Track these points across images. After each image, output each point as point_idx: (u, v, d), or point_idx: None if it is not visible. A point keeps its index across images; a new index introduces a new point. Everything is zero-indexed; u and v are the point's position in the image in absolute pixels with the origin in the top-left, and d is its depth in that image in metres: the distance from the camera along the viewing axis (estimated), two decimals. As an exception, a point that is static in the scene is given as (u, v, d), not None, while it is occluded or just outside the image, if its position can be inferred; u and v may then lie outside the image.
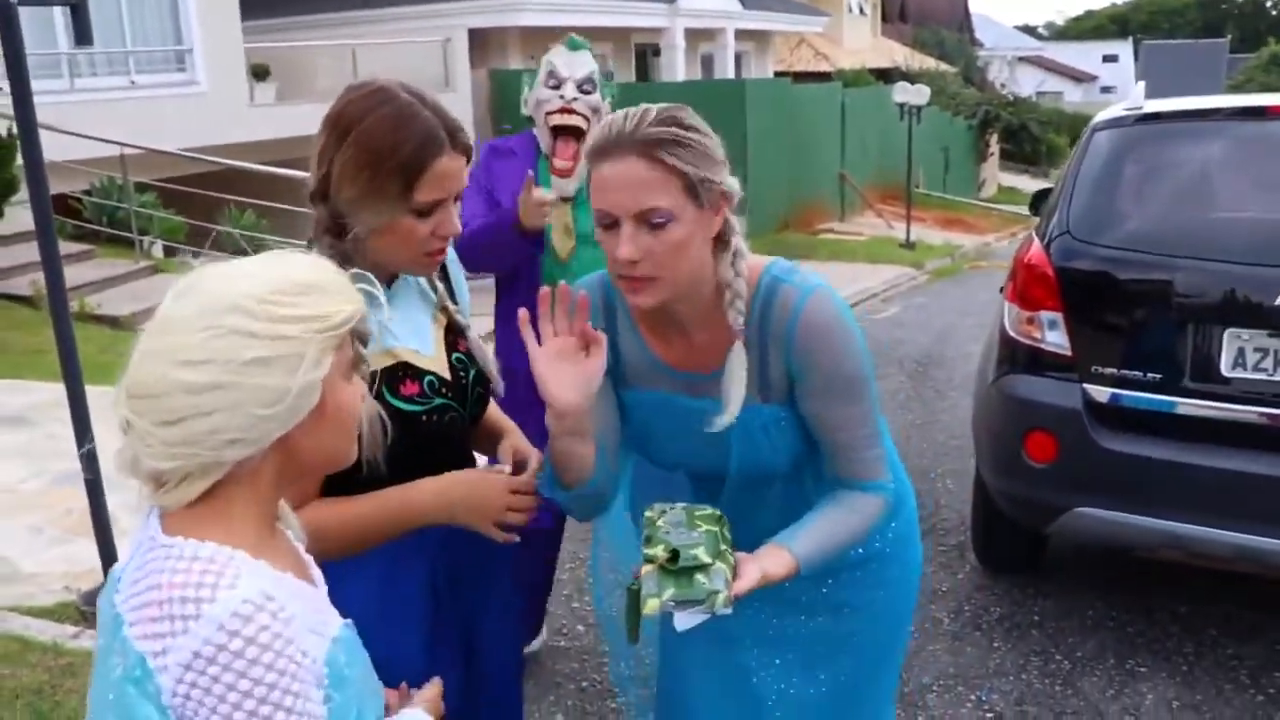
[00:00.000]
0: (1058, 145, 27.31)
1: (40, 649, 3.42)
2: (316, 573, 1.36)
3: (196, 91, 12.21)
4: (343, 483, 1.58)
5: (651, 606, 1.45)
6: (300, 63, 15.18)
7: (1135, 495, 3.27)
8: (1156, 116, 3.66)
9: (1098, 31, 74.96)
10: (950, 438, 5.92)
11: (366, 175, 1.60)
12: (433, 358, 1.75)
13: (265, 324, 1.14)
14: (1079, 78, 54.71)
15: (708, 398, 1.69)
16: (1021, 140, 27.32)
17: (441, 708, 1.49)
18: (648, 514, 1.59)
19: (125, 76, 11.82)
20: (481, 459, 1.89)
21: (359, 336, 1.27)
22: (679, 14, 19.42)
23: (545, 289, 1.61)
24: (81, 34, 3.33)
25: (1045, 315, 3.45)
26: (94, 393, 3.79)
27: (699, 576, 1.47)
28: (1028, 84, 42.82)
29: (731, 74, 21.59)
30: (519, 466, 1.78)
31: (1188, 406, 3.22)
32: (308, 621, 1.18)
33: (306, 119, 13.46)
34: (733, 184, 1.65)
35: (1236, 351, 3.15)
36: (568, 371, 1.56)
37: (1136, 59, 55.16)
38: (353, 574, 1.59)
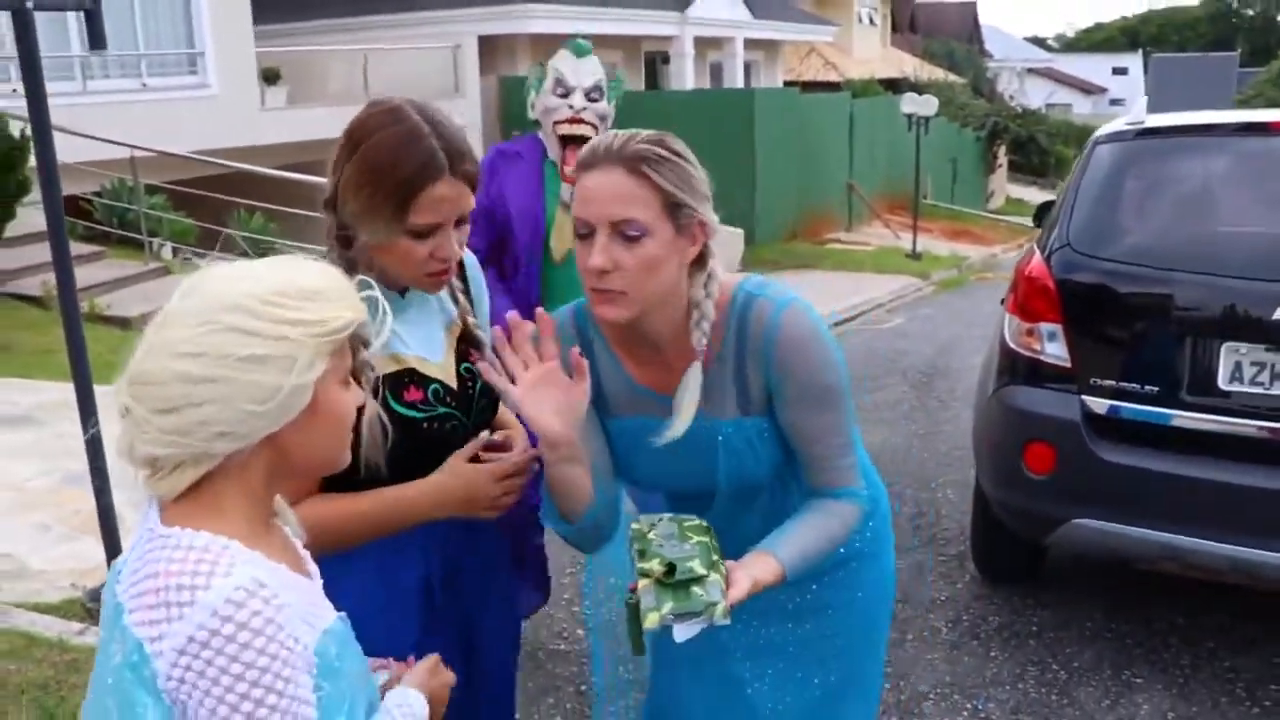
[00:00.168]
0: (1066, 157, 27.31)
1: (46, 645, 3.46)
2: (313, 567, 1.39)
3: (208, 95, 12.29)
4: (343, 484, 1.61)
5: (652, 620, 1.47)
6: (311, 67, 15.27)
7: (1133, 507, 3.29)
8: (1157, 131, 3.69)
9: (1108, 44, 74.99)
10: (953, 448, 5.94)
11: (366, 192, 1.63)
12: (440, 366, 1.78)
13: (263, 324, 1.17)
14: (1088, 90, 54.74)
15: None
16: (1030, 152, 27.35)
17: (447, 678, 1.51)
18: (635, 526, 1.61)
19: (137, 79, 11.91)
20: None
21: (360, 344, 1.30)
22: (689, 22, 19.49)
23: (514, 315, 1.62)
24: (95, 39, 3.37)
25: (1045, 327, 3.48)
26: (102, 392, 3.83)
27: (696, 589, 1.50)
28: (1037, 96, 42.88)
29: (740, 83, 21.68)
30: (505, 446, 1.81)
31: (1185, 419, 3.24)
32: (300, 611, 1.21)
33: (317, 123, 13.61)
34: (713, 218, 1.68)
35: (1234, 365, 3.18)
36: (551, 400, 1.58)
37: (1146, 72, 55.14)
38: (349, 568, 1.62)
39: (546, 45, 17.82)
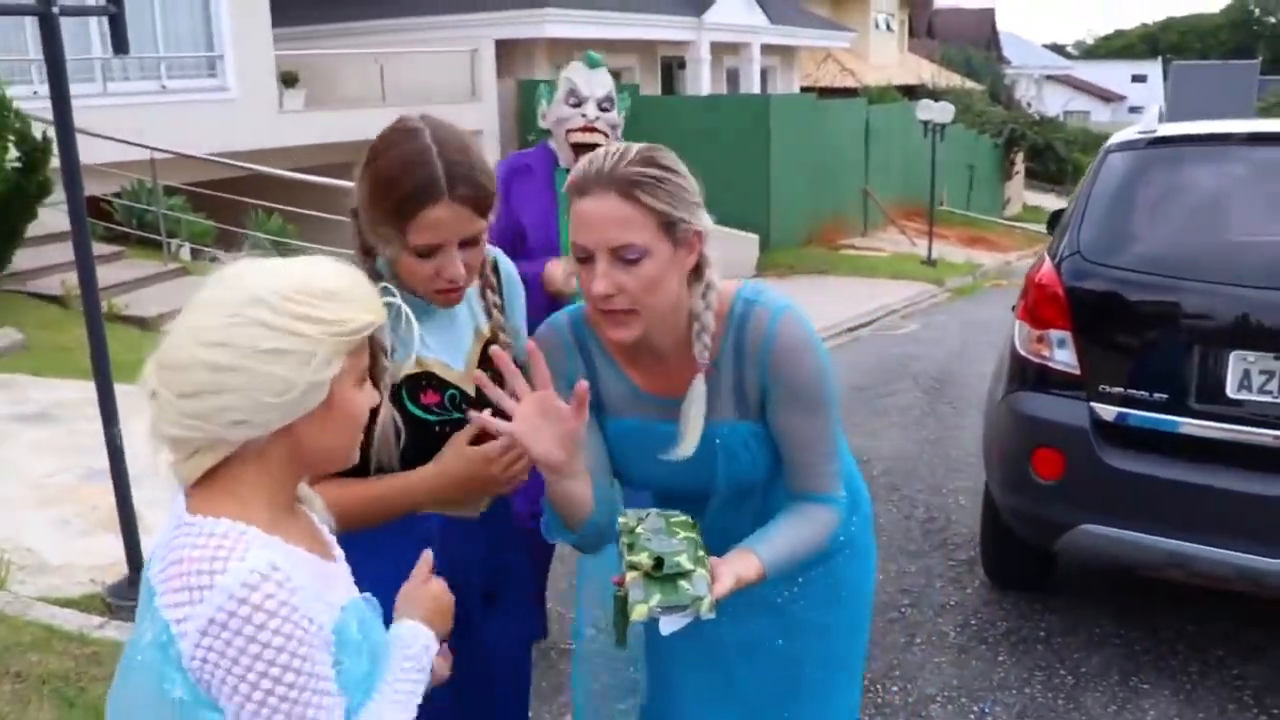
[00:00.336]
0: (1083, 165, 27.17)
1: (66, 638, 3.51)
2: (338, 551, 1.44)
3: (226, 97, 12.39)
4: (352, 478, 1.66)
5: (640, 612, 1.51)
6: (329, 70, 15.37)
7: (1140, 513, 3.31)
8: (1169, 140, 3.71)
9: (1127, 51, 74.64)
10: (964, 454, 5.95)
11: (372, 208, 1.69)
12: (460, 374, 1.82)
13: (283, 319, 1.23)
14: (1107, 97, 54.55)
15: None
16: (1047, 159, 27.29)
17: (434, 588, 1.56)
18: (623, 520, 1.65)
19: (157, 81, 12.02)
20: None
21: (381, 348, 1.35)
22: (705, 27, 19.53)
23: (496, 350, 1.65)
24: (119, 43, 3.43)
25: (1055, 334, 3.50)
26: (122, 390, 3.89)
27: (683, 583, 1.54)
28: (1055, 103, 42.75)
29: (757, 88, 21.69)
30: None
31: (1193, 427, 3.26)
32: (315, 591, 1.26)
33: (334, 126, 13.71)
34: (707, 223, 1.71)
35: (1242, 373, 3.19)
36: (550, 430, 1.61)
37: (1166, 79, 54.90)
38: (373, 554, 1.66)
39: (563, 49, 17.87)
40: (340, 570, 1.41)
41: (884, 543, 4.73)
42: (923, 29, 37.32)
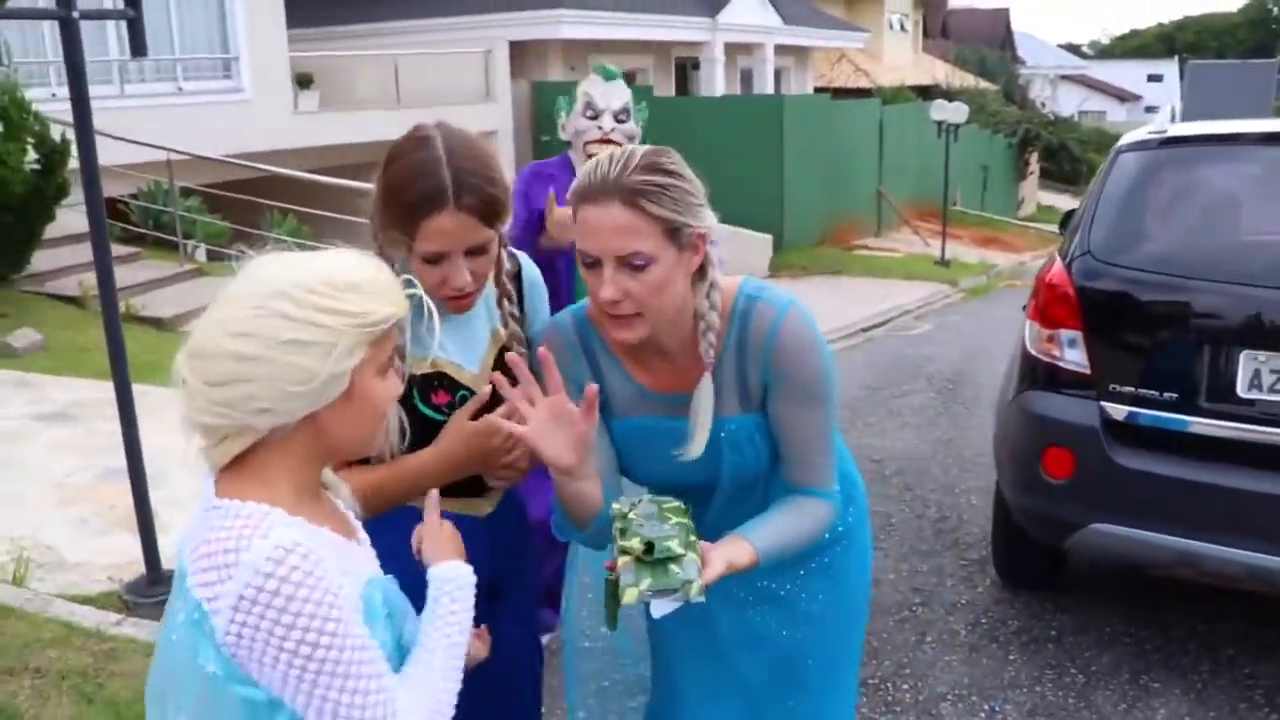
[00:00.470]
0: (1098, 165, 27.08)
1: (85, 634, 3.55)
2: (363, 535, 1.49)
3: (242, 99, 12.47)
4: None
5: (631, 596, 1.54)
6: (344, 72, 15.44)
7: (1150, 512, 3.32)
8: (1181, 140, 3.71)
9: (1143, 51, 74.25)
10: (977, 454, 5.95)
11: (382, 214, 1.73)
12: (474, 375, 1.85)
13: (306, 311, 1.27)
14: (1123, 97, 54.27)
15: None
16: (1061, 159, 27.18)
17: (449, 529, 1.60)
18: (616, 507, 1.67)
19: (173, 83, 12.11)
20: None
21: (401, 344, 1.38)
22: (719, 28, 19.55)
23: (513, 357, 1.68)
24: (137, 47, 3.47)
25: (1065, 334, 3.51)
26: (139, 390, 3.94)
27: (673, 567, 1.56)
28: (1070, 103, 42.59)
29: (771, 89, 21.70)
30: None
31: (1203, 426, 3.26)
32: (340, 565, 1.30)
33: (349, 127, 13.77)
34: (710, 223, 1.72)
35: (1252, 373, 3.19)
36: (562, 435, 1.65)
37: (1182, 79, 54.42)
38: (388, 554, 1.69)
39: (578, 50, 17.92)
40: (364, 552, 1.46)
41: (896, 542, 4.74)
42: (937, 29, 37.24)
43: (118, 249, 9.22)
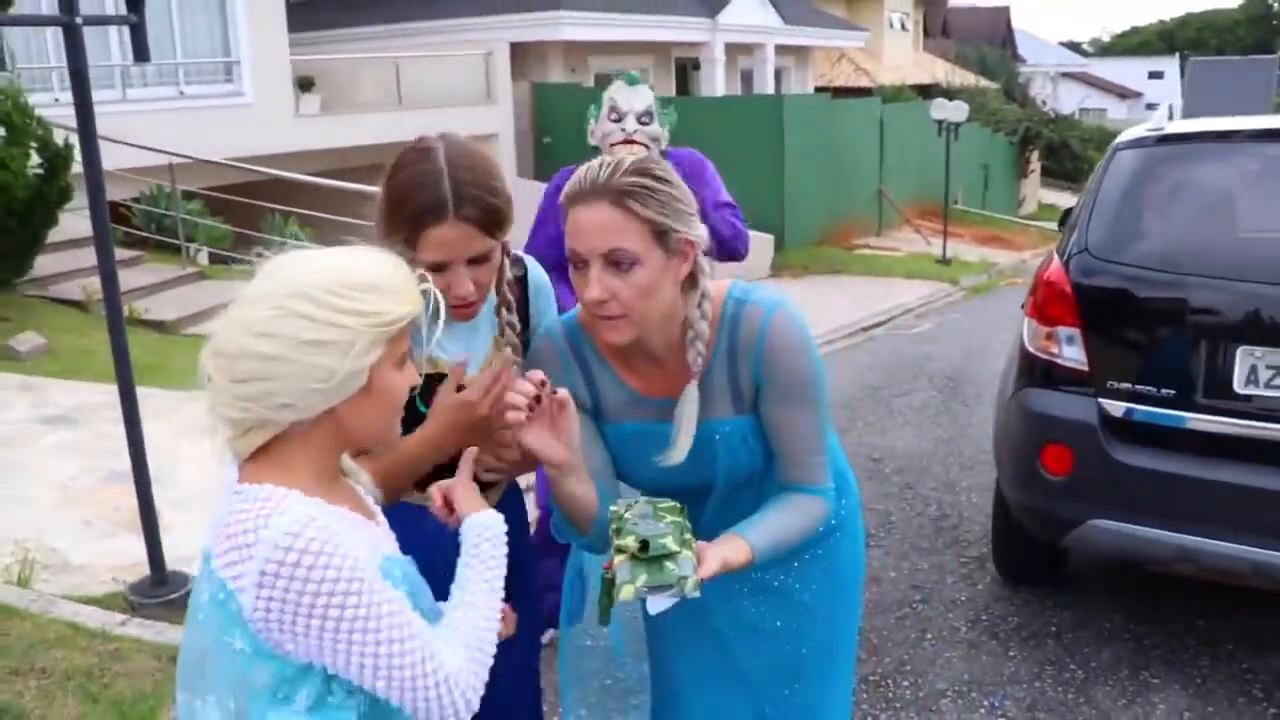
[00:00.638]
0: (1099, 162, 27.09)
1: (90, 635, 3.57)
2: (382, 519, 1.55)
3: (243, 102, 12.50)
4: None
5: (627, 592, 1.57)
6: (345, 75, 15.47)
7: (1149, 508, 3.33)
8: (1178, 137, 3.72)
9: (1144, 48, 74.23)
10: (977, 452, 5.97)
11: (383, 222, 1.76)
12: (475, 378, 1.87)
13: (324, 311, 1.32)
14: (1124, 94, 54.26)
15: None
16: (1062, 157, 27.16)
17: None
18: (613, 509, 1.71)
19: (175, 87, 12.14)
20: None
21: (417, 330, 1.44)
22: (719, 28, 19.55)
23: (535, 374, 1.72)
24: (139, 52, 3.49)
25: (1063, 331, 3.53)
26: (142, 393, 3.96)
27: (668, 564, 1.60)
28: (1071, 100, 42.57)
29: (771, 89, 21.70)
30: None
31: (1200, 422, 3.28)
32: (356, 538, 1.36)
33: (350, 130, 13.78)
34: (700, 233, 1.75)
35: (1249, 369, 3.21)
36: (548, 432, 1.70)
37: (1183, 76, 54.32)
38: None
39: (578, 52, 17.94)
40: (383, 532, 1.51)
41: (896, 540, 4.76)
42: (937, 28, 37.23)
43: (120, 253, 9.24)
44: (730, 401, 1.84)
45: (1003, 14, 45.40)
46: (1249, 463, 3.24)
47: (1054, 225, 18.93)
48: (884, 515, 5.03)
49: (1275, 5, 76.49)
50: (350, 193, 9.87)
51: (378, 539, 1.48)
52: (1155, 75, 57.54)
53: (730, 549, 1.73)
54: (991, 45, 38.41)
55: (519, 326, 1.96)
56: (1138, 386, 3.37)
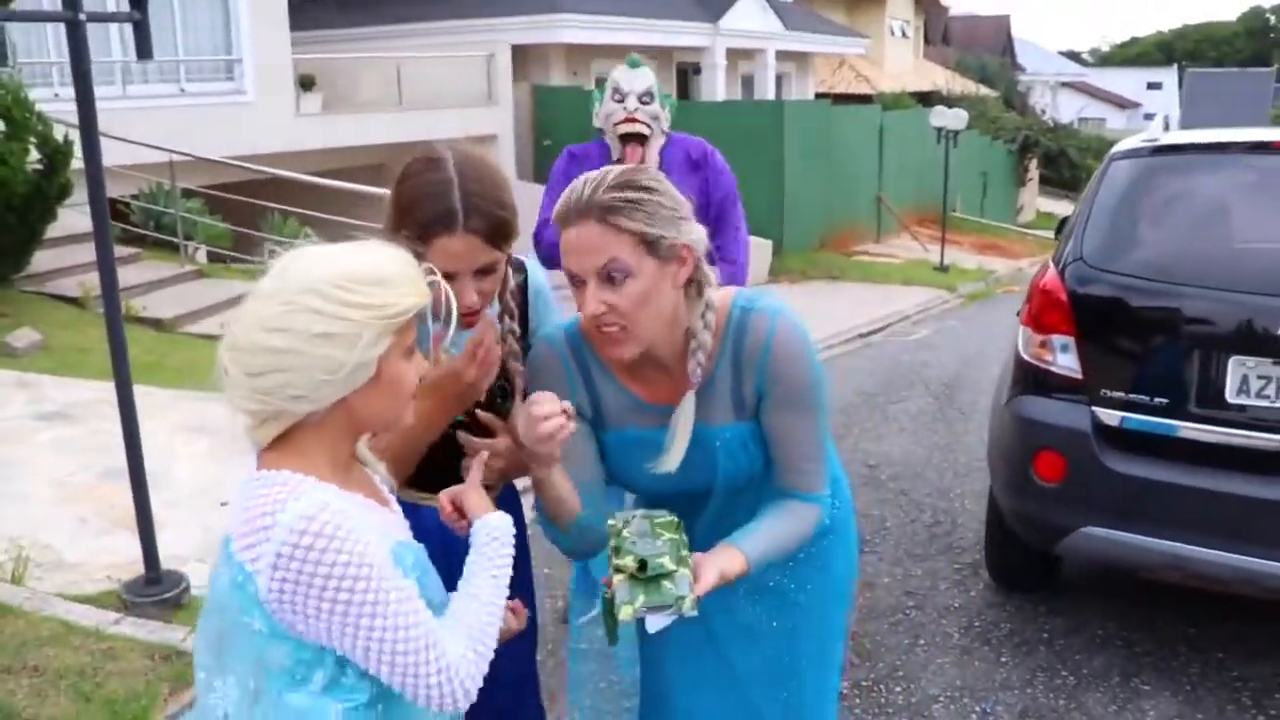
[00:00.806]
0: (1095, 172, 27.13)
1: (83, 633, 3.57)
2: (396, 507, 1.59)
3: (244, 101, 12.50)
4: None
5: (626, 613, 1.59)
6: (346, 74, 15.48)
7: (1141, 516, 3.35)
8: (1173, 149, 3.75)
9: (1142, 58, 74.40)
10: (972, 459, 5.99)
11: (391, 228, 1.77)
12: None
13: (333, 305, 1.37)
14: (1122, 104, 54.35)
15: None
16: (1060, 166, 27.24)
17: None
18: (611, 523, 1.72)
19: (175, 84, 12.13)
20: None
21: (422, 319, 1.48)
22: (721, 33, 19.59)
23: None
24: (143, 49, 3.50)
25: (1058, 339, 3.54)
26: (139, 391, 3.97)
27: (666, 583, 1.62)
28: (1069, 109, 42.65)
29: (772, 94, 21.74)
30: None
31: (1192, 431, 3.29)
32: (368, 524, 1.40)
33: (351, 130, 13.79)
34: (694, 236, 1.75)
35: (1241, 378, 3.23)
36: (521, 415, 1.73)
37: (1181, 86, 54.53)
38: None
39: (580, 55, 17.97)
40: (396, 519, 1.56)
41: (890, 546, 4.77)
42: (938, 36, 37.31)
43: (118, 250, 9.21)
44: (732, 408, 1.85)
45: (1003, 23, 45.50)
46: (1240, 472, 3.26)
47: (1051, 233, 18.97)
48: (879, 521, 5.04)
49: (1273, 19, 76.72)
50: (350, 193, 9.89)
51: (390, 525, 1.52)
52: (1154, 86, 57.64)
53: (726, 561, 1.75)
54: (992, 54, 38.50)
55: (519, 333, 1.98)
56: (1131, 395, 3.39)
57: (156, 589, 3.86)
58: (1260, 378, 3.21)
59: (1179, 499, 3.28)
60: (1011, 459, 3.69)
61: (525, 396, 1.83)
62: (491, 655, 1.49)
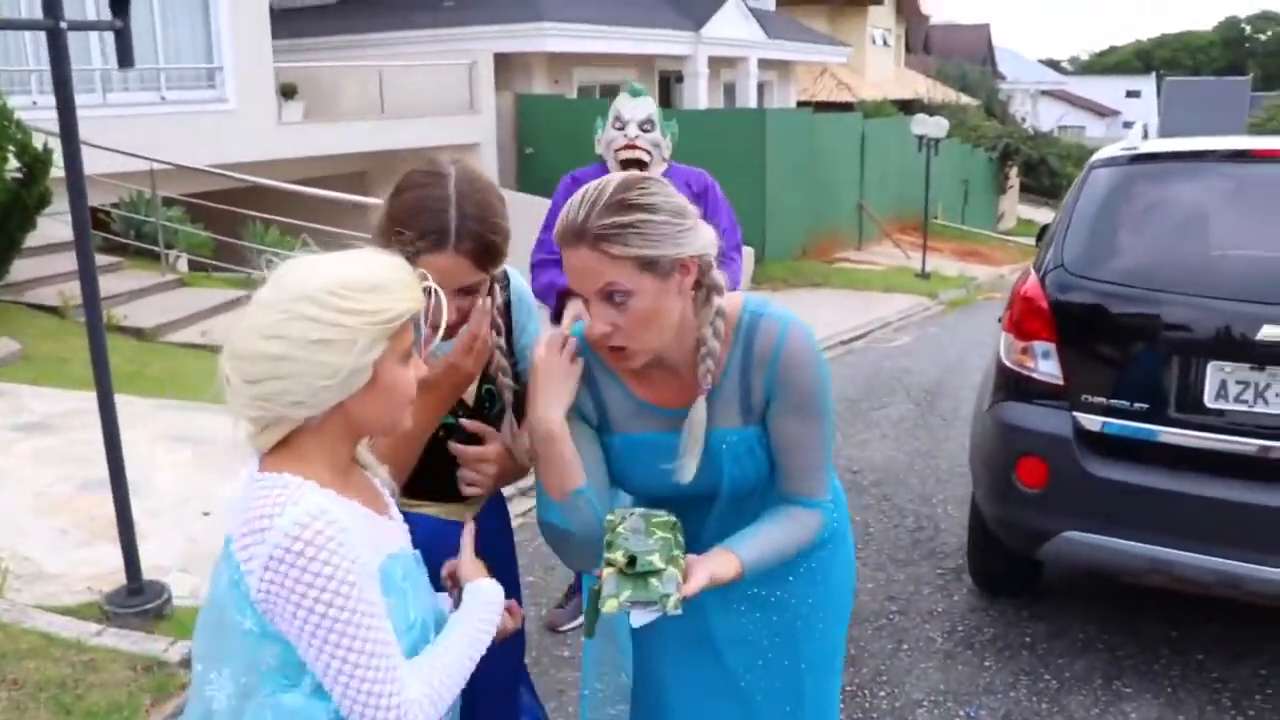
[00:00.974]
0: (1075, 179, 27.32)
1: (64, 645, 3.54)
2: (395, 512, 1.61)
3: (225, 109, 12.44)
4: None
5: (610, 606, 1.60)
6: (328, 83, 15.44)
7: (1122, 520, 3.37)
8: (1151, 157, 3.78)
9: (1121, 67, 75.00)
10: (954, 465, 6.01)
11: (382, 236, 1.77)
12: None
13: (328, 312, 1.39)
14: (1101, 112, 54.75)
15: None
16: (1041, 174, 27.41)
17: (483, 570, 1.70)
18: (609, 519, 1.73)
19: (156, 92, 12.07)
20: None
21: (417, 325, 1.51)
22: (703, 42, 19.64)
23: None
24: (124, 58, 3.48)
25: (1039, 345, 3.57)
26: (120, 401, 3.94)
27: (653, 580, 1.62)
28: (1050, 117, 42.91)
29: (754, 102, 21.79)
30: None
31: (1172, 435, 3.32)
32: (363, 536, 1.42)
33: (332, 138, 13.74)
34: (699, 244, 1.73)
35: (1220, 383, 3.26)
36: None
37: (1159, 95, 55.11)
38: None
39: (562, 63, 17.97)
40: (394, 526, 1.57)
41: (873, 551, 4.79)
42: (919, 44, 37.49)
43: (99, 259, 9.14)
44: (739, 413, 1.84)
45: (984, 32, 45.76)
46: (1220, 476, 3.29)
47: (1032, 240, 19.08)
48: (861, 527, 5.06)
49: (1248, 28, 77.50)
50: (332, 201, 9.86)
51: (386, 535, 1.53)
52: (1132, 94, 58.13)
53: (719, 564, 1.75)
54: (972, 62, 38.69)
55: (507, 348, 1.99)
56: (1112, 401, 3.42)
57: (138, 599, 3.84)
58: (1238, 383, 3.24)
59: (1160, 503, 3.31)
60: (993, 465, 3.71)
61: (515, 410, 1.84)
62: (443, 713, 1.49)
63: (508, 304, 2.03)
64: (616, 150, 3.64)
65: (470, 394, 1.92)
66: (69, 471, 5.21)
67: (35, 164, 7.90)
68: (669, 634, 1.96)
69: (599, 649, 2.65)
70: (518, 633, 2.19)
